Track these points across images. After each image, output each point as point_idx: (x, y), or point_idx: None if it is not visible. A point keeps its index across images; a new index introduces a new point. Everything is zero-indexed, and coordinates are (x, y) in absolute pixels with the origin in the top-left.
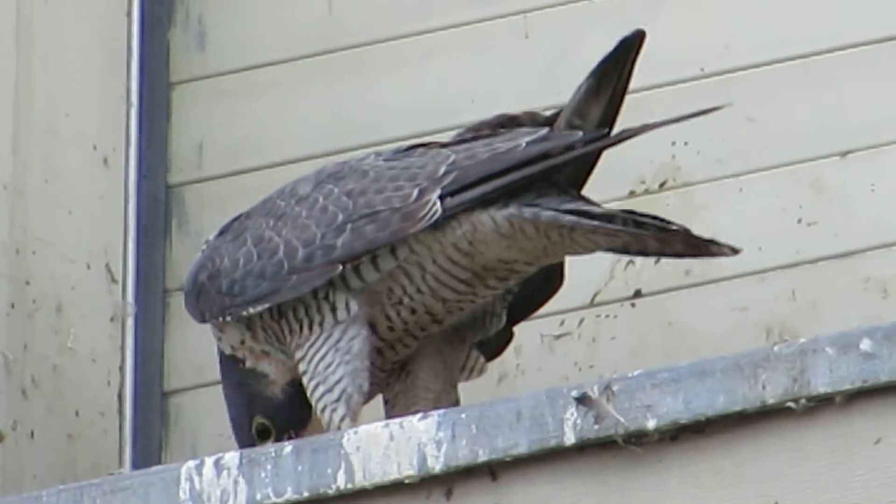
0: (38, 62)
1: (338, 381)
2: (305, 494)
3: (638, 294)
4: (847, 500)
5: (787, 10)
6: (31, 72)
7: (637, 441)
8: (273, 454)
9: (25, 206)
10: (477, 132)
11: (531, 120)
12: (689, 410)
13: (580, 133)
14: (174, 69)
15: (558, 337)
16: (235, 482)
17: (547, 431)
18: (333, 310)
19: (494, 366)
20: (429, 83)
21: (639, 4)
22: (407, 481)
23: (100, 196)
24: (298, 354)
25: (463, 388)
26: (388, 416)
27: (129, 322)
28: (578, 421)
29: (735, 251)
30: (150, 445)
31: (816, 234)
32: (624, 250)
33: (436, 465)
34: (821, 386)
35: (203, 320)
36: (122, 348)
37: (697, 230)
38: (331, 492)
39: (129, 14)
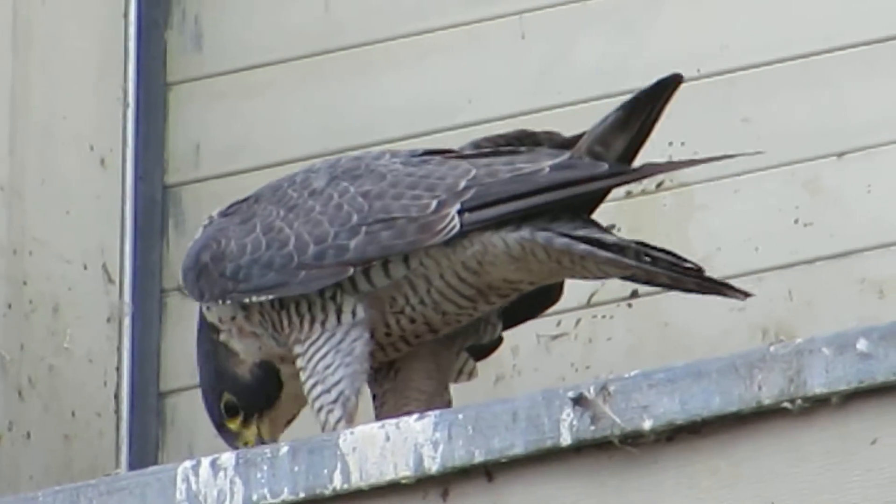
0: (35, 63)
1: (336, 383)
2: (302, 495)
3: (634, 295)
4: (844, 500)
5: (784, 10)
6: (29, 73)
7: (633, 442)
8: (269, 455)
9: (22, 207)
10: (495, 145)
11: (550, 140)
12: (685, 411)
13: (605, 165)
14: (171, 70)
15: (555, 337)
16: (232, 482)
17: (543, 432)
18: (339, 312)
19: (491, 366)
20: (425, 83)
21: (636, 5)
22: (403, 482)
23: (96, 196)
24: (297, 350)
25: (459, 388)
26: (379, 413)
27: (126, 322)
28: (575, 421)
29: (747, 295)
30: (146, 446)
31: (813, 235)
32: (633, 279)
33: (432, 466)
34: (817, 386)
35: (201, 299)
36: (119, 349)
37: (694, 231)
38: (327, 492)
39: (125, 15)
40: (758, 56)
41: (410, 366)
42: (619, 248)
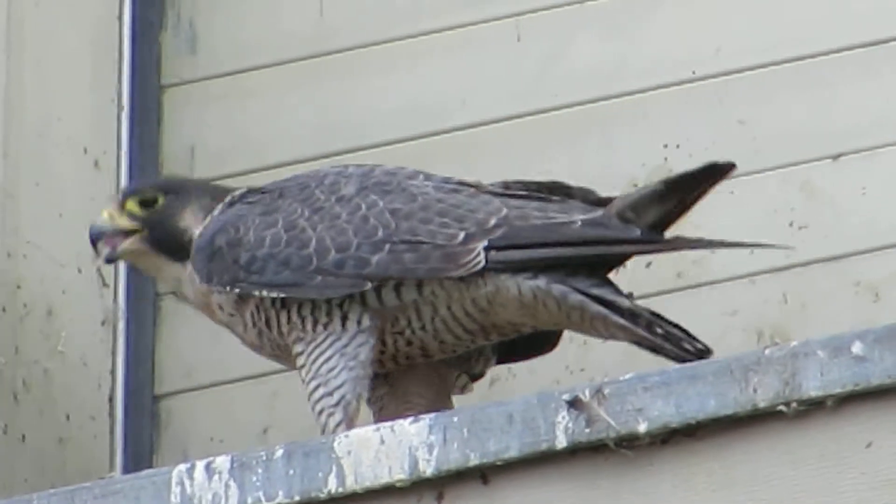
0: (28, 65)
1: (339, 386)
2: (297, 498)
3: (630, 297)
4: (838, 503)
5: (778, 13)
6: (23, 75)
7: (628, 445)
8: (264, 458)
9: (16, 210)
10: (527, 189)
11: (583, 195)
12: (680, 414)
13: (637, 230)
14: (165, 72)
15: None
16: (226, 486)
17: (538, 435)
18: (344, 319)
19: None
20: (420, 86)
21: (631, 8)
22: (398, 485)
23: (91, 199)
24: (298, 348)
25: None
26: (377, 418)
27: (120, 325)
28: (570, 424)
29: None
30: (140, 449)
31: (808, 237)
32: (637, 345)
33: (427, 469)
34: (812, 389)
35: (209, 282)
36: (113, 352)
37: (689, 233)
38: (322, 496)
39: (120, 17)
40: (753, 58)
41: (409, 372)
42: (633, 315)
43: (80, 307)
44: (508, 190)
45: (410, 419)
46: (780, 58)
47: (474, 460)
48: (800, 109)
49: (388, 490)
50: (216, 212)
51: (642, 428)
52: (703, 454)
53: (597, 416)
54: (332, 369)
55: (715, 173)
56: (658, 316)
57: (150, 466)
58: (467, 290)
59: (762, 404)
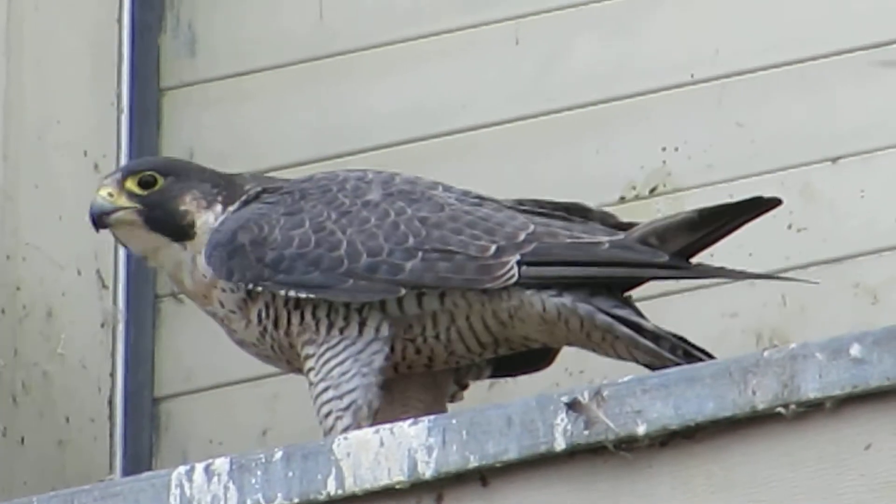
0: (28, 68)
1: (350, 391)
2: (296, 500)
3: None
4: None
5: (777, 16)
6: (22, 77)
7: (627, 447)
8: (263, 460)
9: (16, 212)
10: (549, 208)
11: (602, 219)
12: (679, 416)
13: (665, 256)
14: (164, 75)
15: None
16: (226, 488)
17: (537, 437)
18: (362, 325)
19: None
20: (419, 89)
21: (630, 11)
22: (397, 487)
23: (90, 202)
24: (309, 350)
25: None
26: (375, 422)
27: (120, 328)
28: (569, 426)
29: None
30: (140, 451)
31: (806, 240)
32: (648, 366)
33: (426, 471)
34: (811, 391)
35: (229, 279)
36: (113, 354)
37: None
38: (321, 498)
39: (119, 20)
40: (752, 61)
41: (407, 376)
42: (656, 337)
43: (80, 309)
44: (523, 206)
45: (410, 421)
46: (778, 60)
47: (473, 462)
48: (799, 112)
49: (388, 492)
50: (230, 208)
51: (641, 430)
52: (702, 456)
53: (596, 418)
54: (344, 373)
55: (759, 206)
56: (681, 339)
57: (150, 469)
58: (489, 303)
59: (761, 406)
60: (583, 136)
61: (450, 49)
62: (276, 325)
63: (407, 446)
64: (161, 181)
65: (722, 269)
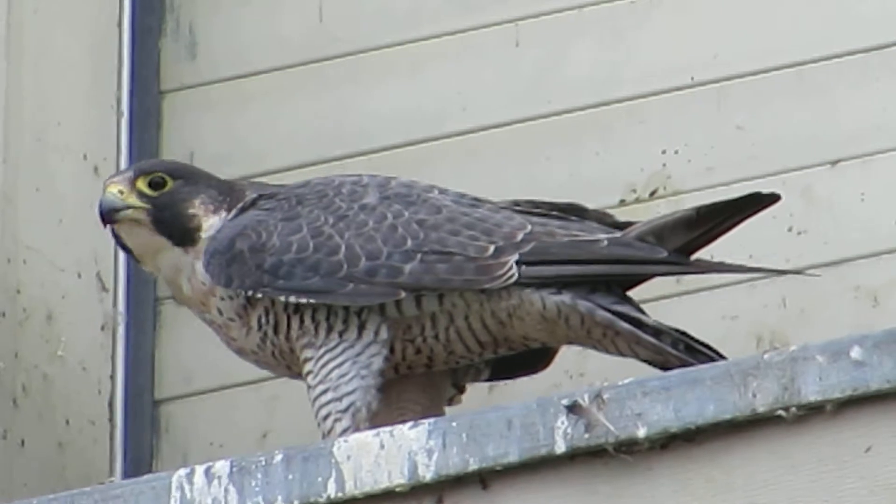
0: (28, 71)
1: (349, 393)
2: (296, 503)
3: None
4: None
5: (777, 19)
6: (22, 80)
7: (627, 449)
8: (264, 462)
9: (16, 215)
10: (545, 208)
11: (599, 218)
12: (679, 419)
13: (664, 252)
14: (164, 78)
15: None
16: (226, 491)
17: (537, 440)
18: (361, 328)
19: None
20: (419, 92)
21: (629, 14)
22: (398, 490)
23: (90, 205)
24: (308, 353)
25: None
26: (372, 424)
27: (120, 330)
28: (569, 429)
29: None
30: (140, 454)
31: (807, 243)
32: (649, 363)
33: (426, 474)
34: (811, 394)
35: (228, 286)
36: (113, 357)
37: None
38: (321, 500)
39: (119, 23)
40: (751, 64)
41: (404, 378)
42: (657, 332)
43: (80, 312)
44: (519, 207)
45: (410, 424)
46: (778, 63)
47: (474, 465)
48: (798, 115)
49: (388, 495)
50: (228, 215)
51: (641, 433)
52: (703, 459)
53: (596, 421)
54: (342, 375)
55: (756, 203)
56: (683, 333)
57: (150, 471)
58: (488, 303)
59: (761, 409)
60: (583, 138)
61: (449, 52)
62: (276, 330)
63: (407, 449)
64: (171, 183)
65: (721, 263)
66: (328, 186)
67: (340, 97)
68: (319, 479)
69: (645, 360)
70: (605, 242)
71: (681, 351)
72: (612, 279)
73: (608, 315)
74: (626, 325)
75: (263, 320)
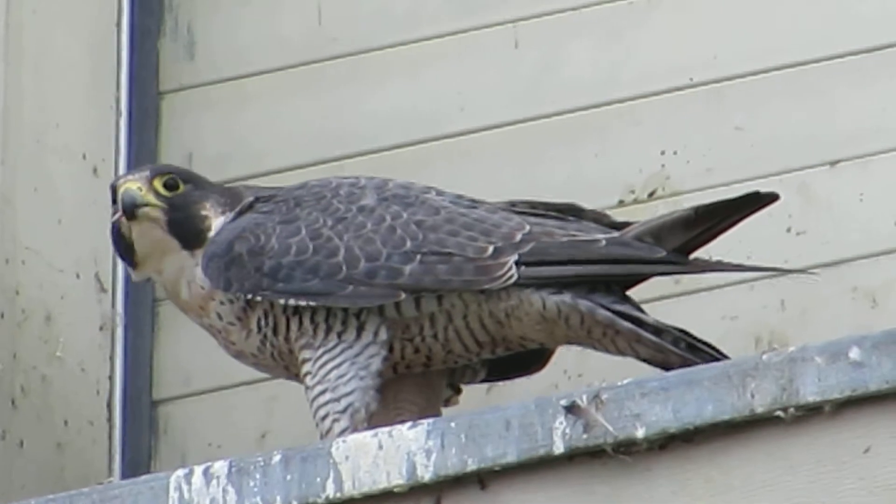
0: (27, 72)
1: (347, 394)
2: (294, 503)
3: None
4: None
5: (775, 19)
6: (21, 81)
7: (626, 450)
8: (262, 463)
9: (15, 216)
10: (542, 209)
11: (596, 218)
12: (677, 419)
13: (662, 251)
14: (163, 78)
15: None
16: (224, 491)
17: (536, 440)
18: (360, 329)
19: None
20: (418, 92)
21: (628, 14)
22: (396, 490)
23: (89, 205)
24: (306, 354)
25: None
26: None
27: (118, 331)
28: (567, 430)
29: None
30: (139, 454)
31: (805, 243)
32: (648, 362)
33: (425, 474)
34: (810, 395)
35: (227, 289)
36: (112, 357)
37: None
38: (320, 501)
39: (118, 24)
40: (750, 64)
41: (401, 379)
42: (657, 331)
43: (79, 313)
44: (516, 208)
45: (408, 424)
46: (777, 64)
47: (472, 466)
48: (797, 116)
49: (387, 495)
50: (226, 219)
51: (640, 433)
52: (701, 460)
53: (595, 421)
54: (341, 376)
55: (755, 203)
56: (683, 332)
57: (149, 472)
58: (487, 302)
59: (760, 410)
60: (581, 139)
61: (448, 52)
62: (275, 331)
63: (406, 449)
64: (182, 186)
65: (720, 262)
66: (325, 188)
67: (339, 98)
68: (318, 479)
69: (644, 360)
70: (604, 242)
71: (682, 349)
72: (611, 279)
73: (609, 314)
74: (626, 324)
75: (263, 322)
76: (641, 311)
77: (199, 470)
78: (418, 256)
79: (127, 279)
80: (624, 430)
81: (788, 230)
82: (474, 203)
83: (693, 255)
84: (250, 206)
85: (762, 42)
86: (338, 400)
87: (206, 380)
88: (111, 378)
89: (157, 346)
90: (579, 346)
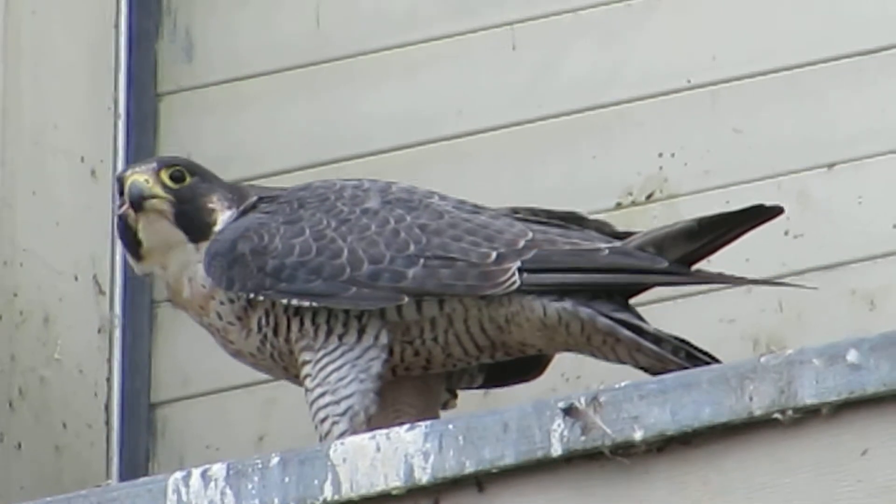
0: (25, 74)
1: (347, 397)
2: None
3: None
4: None
5: (773, 22)
6: (19, 83)
7: (624, 452)
8: (260, 465)
9: (13, 218)
10: (544, 217)
11: (598, 228)
12: (675, 422)
13: (665, 262)
14: (162, 80)
15: None
16: (222, 493)
17: (534, 443)
18: (361, 332)
19: None
20: (415, 95)
21: (626, 17)
22: (394, 492)
23: (87, 207)
24: (306, 356)
25: None
26: (369, 426)
27: (117, 333)
28: (565, 432)
29: None
30: (137, 457)
31: (803, 246)
32: (645, 369)
33: (423, 477)
34: (807, 397)
35: (229, 288)
36: (110, 360)
37: None
38: (317, 503)
39: (116, 26)
40: (748, 67)
41: (399, 381)
42: (657, 339)
43: (77, 315)
44: (519, 215)
45: (406, 427)
46: (774, 66)
47: (470, 468)
48: (795, 118)
49: (384, 498)
50: (232, 214)
51: (638, 436)
52: (699, 462)
53: (592, 423)
54: (341, 379)
55: (759, 215)
56: (683, 341)
57: (147, 474)
58: (488, 308)
59: (758, 412)
60: (579, 141)
61: (446, 55)
62: (275, 332)
63: (403, 452)
64: (189, 178)
65: (721, 274)
66: (329, 190)
67: (336, 100)
68: (316, 481)
69: (643, 368)
70: (606, 251)
71: (681, 358)
72: (613, 288)
73: (609, 322)
74: (627, 333)
75: (263, 322)
76: (642, 319)
77: (197, 472)
78: (422, 260)
79: (126, 281)
80: (622, 433)
81: (786, 233)
82: (477, 209)
83: (695, 267)
84: (254, 206)
85: (760, 45)
86: (337, 402)
87: (205, 382)
88: (109, 380)
89: (156, 349)
90: (579, 353)
